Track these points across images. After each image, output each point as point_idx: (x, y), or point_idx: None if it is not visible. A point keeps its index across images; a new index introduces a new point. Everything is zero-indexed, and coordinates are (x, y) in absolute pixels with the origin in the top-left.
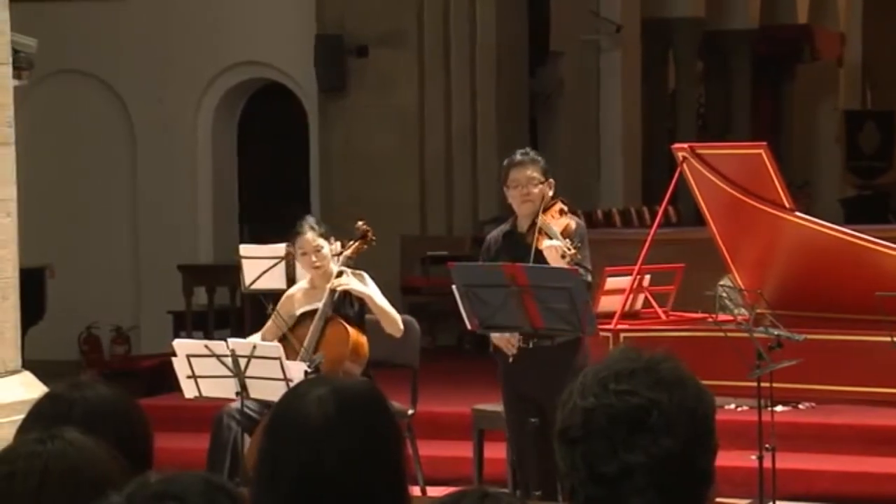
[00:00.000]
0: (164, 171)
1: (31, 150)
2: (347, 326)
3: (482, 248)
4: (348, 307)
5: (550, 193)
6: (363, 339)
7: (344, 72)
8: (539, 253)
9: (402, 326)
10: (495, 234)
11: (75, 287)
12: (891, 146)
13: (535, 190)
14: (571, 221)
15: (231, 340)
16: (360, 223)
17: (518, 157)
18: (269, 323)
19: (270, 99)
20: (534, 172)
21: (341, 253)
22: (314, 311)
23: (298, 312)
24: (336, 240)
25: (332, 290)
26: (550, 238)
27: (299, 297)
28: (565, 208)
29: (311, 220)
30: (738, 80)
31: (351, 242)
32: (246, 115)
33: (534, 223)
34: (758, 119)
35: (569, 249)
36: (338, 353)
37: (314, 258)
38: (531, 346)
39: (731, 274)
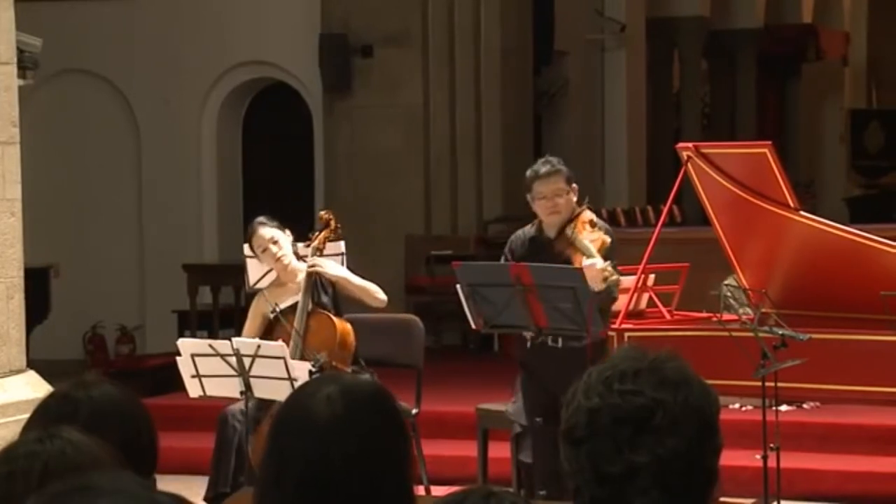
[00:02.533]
0: (169, 170)
1: (36, 150)
2: (332, 317)
3: (506, 248)
4: (322, 294)
5: (575, 199)
6: (349, 328)
7: (349, 71)
8: (567, 262)
9: (384, 296)
10: (520, 235)
11: (80, 286)
12: (895, 145)
13: (562, 201)
14: (606, 236)
15: (235, 340)
16: (322, 213)
17: (543, 168)
18: (249, 324)
19: (275, 98)
20: (559, 183)
21: (309, 245)
22: (289, 308)
23: (272, 315)
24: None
25: (309, 275)
26: (583, 252)
27: (267, 299)
28: (594, 218)
29: (258, 219)
30: (743, 79)
31: (316, 234)
32: (251, 115)
33: (563, 231)
34: (763, 118)
35: (610, 275)
36: (326, 346)
37: (274, 249)
38: (559, 344)
39: (735, 273)
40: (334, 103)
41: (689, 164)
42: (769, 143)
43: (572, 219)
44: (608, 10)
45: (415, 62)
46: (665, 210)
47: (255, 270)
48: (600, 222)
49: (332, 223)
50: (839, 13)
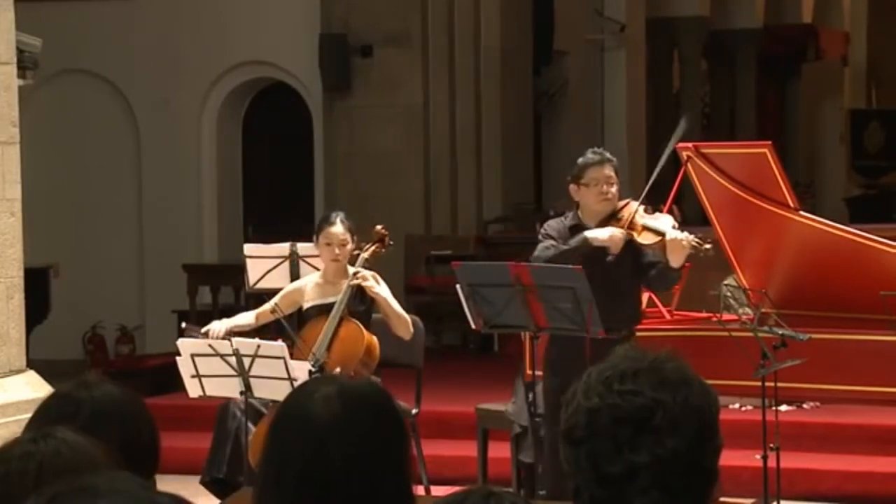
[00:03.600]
0: (169, 170)
1: (36, 150)
2: (361, 327)
3: (543, 235)
4: (358, 304)
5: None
6: (376, 342)
7: (348, 71)
8: (628, 245)
9: (412, 329)
10: (555, 225)
11: (80, 286)
12: (895, 145)
13: (614, 189)
14: (674, 220)
15: (235, 340)
16: (378, 227)
17: (595, 156)
18: (267, 309)
19: (275, 98)
20: (611, 171)
21: (358, 255)
22: (322, 307)
23: (307, 306)
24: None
25: (352, 286)
26: (656, 231)
27: (309, 291)
28: (649, 207)
29: (341, 214)
30: (743, 79)
31: (368, 245)
32: (250, 115)
33: (609, 219)
34: (762, 118)
35: (700, 244)
36: (351, 353)
37: (337, 251)
38: (598, 335)
39: (735, 273)
40: (334, 103)
41: (688, 164)
42: (769, 143)
43: (617, 210)
44: (608, 10)
45: (415, 62)
46: (665, 210)
47: (255, 270)
48: None
49: (386, 240)
50: (839, 13)
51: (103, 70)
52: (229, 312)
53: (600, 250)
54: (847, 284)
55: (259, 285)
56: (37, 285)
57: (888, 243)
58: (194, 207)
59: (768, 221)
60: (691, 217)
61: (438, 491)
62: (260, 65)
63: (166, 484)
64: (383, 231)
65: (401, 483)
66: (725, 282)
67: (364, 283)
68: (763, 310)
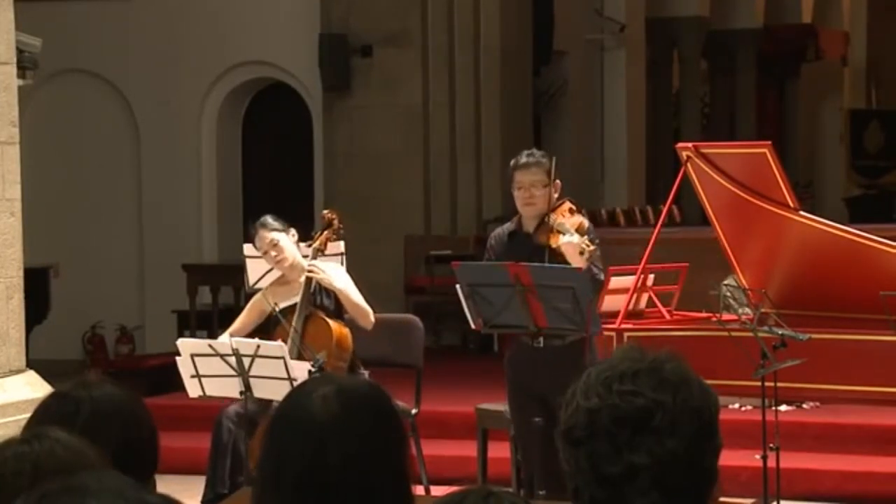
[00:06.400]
0: (169, 170)
1: (35, 150)
2: (328, 320)
3: (486, 248)
4: (325, 298)
5: (556, 195)
6: (346, 331)
7: (348, 71)
8: (553, 252)
9: (373, 319)
10: (499, 233)
11: (80, 286)
12: (895, 145)
13: (539, 193)
14: (584, 220)
15: (235, 340)
16: (325, 212)
17: (523, 159)
18: (243, 317)
19: (275, 98)
20: (538, 175)
21: (311, 245)
22: (290, 308)
23: (273, 313)
24: (294, 232)
25: (308, 281)
26: (559, 231)
27: (272, 294)
28: (574, 207)
29: (263, 219)
30: (743, 79)
31: (318, 233)
32: (250, 115)
33: (542, 223)
34: (762, 118)
35: (587, 246)
36: (323, 349)
37: (273, 253)
38: (541, 344)
39: (735, 273)
40: (334, 103)
41: (688, 164)
42: (769, 142)
43: (552, 210)
44: (608, 10)
45: (414, 62)
46: (665, 210)
47: (254, 270)
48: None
49: (335, 223)
50: (839, 13)
51: (103, 70)
52: (229, 312)
53: (528, 257)
54: (847, 284)
55: (258, 285)
56: (37, 285)
57: (888, 243)
58: (194, 207)
59: (768, 221)
60: (692, 217)
61: (438, 491)
62: (260, 65)
63: (166, 484)
64: (330, 215)
65: (400, 483)
66: (725, 282)
67: (315, 277)
68: (763, 310)
